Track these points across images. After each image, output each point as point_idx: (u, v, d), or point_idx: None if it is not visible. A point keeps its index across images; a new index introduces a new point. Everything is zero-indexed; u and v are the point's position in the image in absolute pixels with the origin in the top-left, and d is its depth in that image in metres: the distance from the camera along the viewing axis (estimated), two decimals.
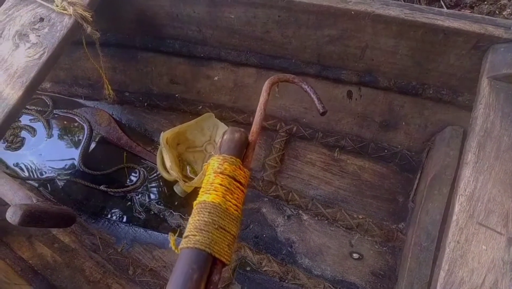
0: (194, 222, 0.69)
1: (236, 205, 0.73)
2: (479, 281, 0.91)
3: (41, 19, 1.35)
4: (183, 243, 0.68)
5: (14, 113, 1.23)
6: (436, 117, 1.53)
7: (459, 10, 1.79)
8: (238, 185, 0.75)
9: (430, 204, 1.38)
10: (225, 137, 0.82)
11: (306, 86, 1.00)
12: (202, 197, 0.73)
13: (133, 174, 1.67)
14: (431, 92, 1.47)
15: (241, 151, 0.81)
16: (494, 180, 1.01)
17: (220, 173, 0.74)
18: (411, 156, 1.60)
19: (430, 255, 1.31)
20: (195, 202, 0.73)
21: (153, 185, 1.65)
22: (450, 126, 1.48)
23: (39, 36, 1.31)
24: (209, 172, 0.76)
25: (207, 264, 0.67)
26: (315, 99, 0.98)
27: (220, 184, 0.73)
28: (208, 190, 0.73)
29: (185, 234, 0.69)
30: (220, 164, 0.75)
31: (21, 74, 1.25)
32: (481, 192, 1.00)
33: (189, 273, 0.63)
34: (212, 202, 0.71)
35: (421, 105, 1.53)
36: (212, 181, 0.74)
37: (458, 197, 1.00)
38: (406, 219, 1.51)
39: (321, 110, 0.98)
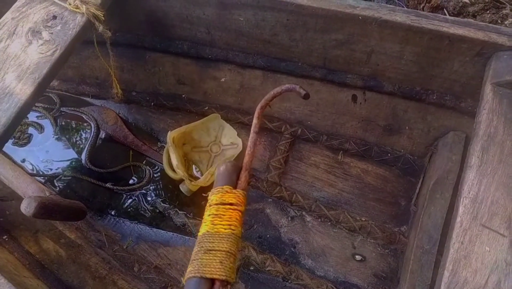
0: (190, 260, 0.77)
1: (228, 224, 0.78)
2: (482, 281, 0.93)
3: (54, 17, 1.37)
4: (184, 280, 0.76)
5: (26, 109, 1.24)
6: (439, 123, 1.55)
7: (462, 19, 1.83)
8: (229, 206, 0.81)
9: (432, 207, 1.41)
10: (216, 173, 0.89)
11: (286, 87, 0.98)
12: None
13: (139, 172, 1.68)
14: (434, 97, 1.49)
15: (231, 178, 0.87)
16: (498, 183, 1.03)
17: (209, 205, 0.82)
18: (414, 160, 1.62)
19: (432, 258, 1.33)
20: None
21: (159, 183, 1.67)
22: (452, 132, 1.50)
23: (51, 33, 1.33)
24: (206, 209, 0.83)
25: (204, 286, 0.72)
26: (296, 88, 0.96)
27: (208, 215, 0.80)
28: (201, 226, 0.80)
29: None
30: (209, 198, 0.83)
31: (34, 70, 1.26)
32: (485, 195, 1.02)
33: None
34: (201, 233, 0.78)
35: (424, 111, 1.56)
36: (203, 216, 0.81)
37: (462, 199, 1.02)
38: (408, 222, 1.53)
39: (302, 94, 0.96)
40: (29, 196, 0.93)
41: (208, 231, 0.77)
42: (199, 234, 0.79)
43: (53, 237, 1.41)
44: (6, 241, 1.30)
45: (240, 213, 0.82)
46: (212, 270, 0.73)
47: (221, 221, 0.78)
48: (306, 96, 0.93)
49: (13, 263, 1.19)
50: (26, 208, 0.90)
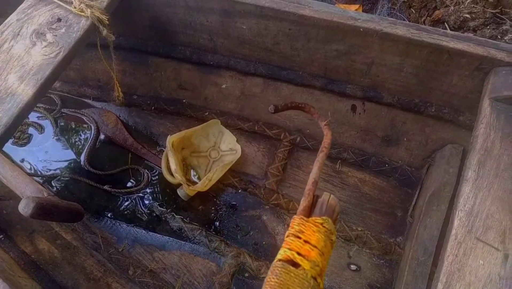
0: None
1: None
2: None
3: (59, 20, 1.38)
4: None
5: (27, 110, 1.25)
6: (437, 135, 1.57)
7: (462, 33, 1.85)
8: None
9: (428, 219, 1.41)
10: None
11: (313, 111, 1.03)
12: None
13: (137, 175, 1.69)
14: (433, 110, 1.51)
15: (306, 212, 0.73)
16: (493, 197, 1.04)
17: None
18: (411, 171, 1.63)
19: (427, 270, 1.33)
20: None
21: (156, 187, 1.67)
22: (450, 144, 1.51)
23: (56, 35, 1.34)
24: None
25: None
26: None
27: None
28: None
29: None
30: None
31: (36, 71, 1.27)
32: (480, 208, 1.02)
33: None
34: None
35: (422, 123, 1.57)
36: None
37: (457, 212, 1.02)
38: (404, 233, 1.53)
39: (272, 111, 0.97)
40: (27, 196, 0.93)
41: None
42: None
43: (49, 238, 1.41)
44: (2, 240, 1.30)
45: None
46: None
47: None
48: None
49: (8, 263, 1.19)
50: (24, 208, 0.90)
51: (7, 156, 1.67)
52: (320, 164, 0.78)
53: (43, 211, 0.92)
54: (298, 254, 0.56)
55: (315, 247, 0.56)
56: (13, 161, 1.68)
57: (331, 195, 0.67)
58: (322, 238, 0.60)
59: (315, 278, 0.55)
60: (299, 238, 0.59)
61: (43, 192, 0.98)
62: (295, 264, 0.55)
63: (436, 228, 1.37)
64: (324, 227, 0.61)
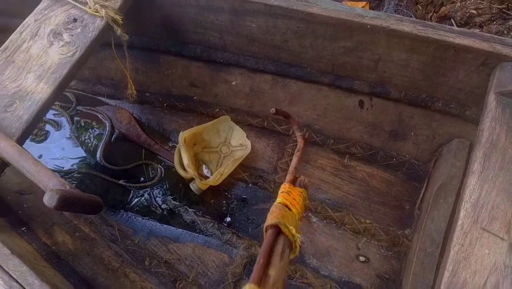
0: None
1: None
2: (481, 282, 0.96)
3: (75, 20, 1.43)
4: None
5: (46, 107, 1.30)
6: (443, 130, 1.59)
7: (469, 29, 1.87)
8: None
9: (435, 211, 1.44)
10: None
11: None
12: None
13: (150, 170, 1.74)
14: (439, 105, 1.53)
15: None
16: (498, 189, 1.07)
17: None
18: (418, 165, 1.66)
19: (434, 261, 1.36)
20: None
21: (170, 181, 1.72)
22: (457, 139, 1.54)
23: (72, 35, 1.39)
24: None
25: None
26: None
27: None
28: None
29: None
30: None
31: (55, 70, 1.32)
32: (486, 200, 1.06)
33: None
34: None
35: (429, 118, 1.60)
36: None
37: (463, 203, 1.06)
38: (412, 226, 1.56)
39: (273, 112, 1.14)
40: (50, 189, 0.98)
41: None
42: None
43: (68, 230, 1.47)
44: (25, 232, 1.36)
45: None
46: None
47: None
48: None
49: (32, 253, 1.25)
50: (49, 200, 0.95)
51: None
52: (299, 158, 1.07)
53: (66, 202, 0.97)
54: (290, 203, 0.82)
55: (298, 203, 0.84)
56: None
57: (305, 178, 0.93)
58: (301, 200, 0.86)
59: (299, 220, 0.83)
60: (290, 195, 0.84)
61: (65, 184, 1.03)
62: (288, 208, 0.80)
63: (443, 220, 1.41)
64: (302, 194, 0.87)
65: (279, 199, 0.84)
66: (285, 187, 0.88)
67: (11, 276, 0.98)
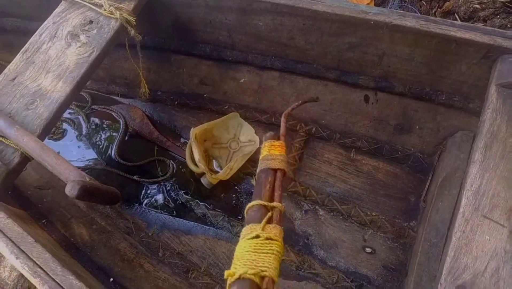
0: None
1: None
2: (481, 267, 0.99)
3: (91, 22, 1.50)
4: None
5: (65, 105, 1.37)
6: (448, 122, 1.62)
7: (472, 23, 1.89)
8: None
9: (440, 203, 1.47)
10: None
11: (299, 102, 1.27)
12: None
13: (163, 166, 1.80)
14: (443, 98, 1.56)
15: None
16: (499, 177, 1.10)
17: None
18: (423, 158, 1.69)
19: (439, 251, 1.39)
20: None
21: (181, 176, 1.78)
22: (461, 131, 1.57)
23: (88, 36, 1.46)
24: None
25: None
26: (309, 101, 1.27)
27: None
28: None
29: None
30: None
31: (73, 70, 1.39)
32: (487, 188, 1.08)
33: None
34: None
35: (434, 111, 1.63)
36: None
37: (465, 192, 1.09)
38: (417, 218, 1.59)
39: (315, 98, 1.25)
40: (72, 180, 1.05)
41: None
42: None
43: (85, 223, 1.54)
44: (45, 224, 1.44)
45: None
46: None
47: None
48: (317, 99, 1.25)
49: (53, 243, 1.32)
50: (71, 190, 1.02)
51: None
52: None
53: (86, 192, 1.03)
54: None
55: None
56: None
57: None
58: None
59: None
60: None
61: (85, 176, 1.10)
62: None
63: (448, 211, 1.43)
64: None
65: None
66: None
67: (35, 262, 1.04)
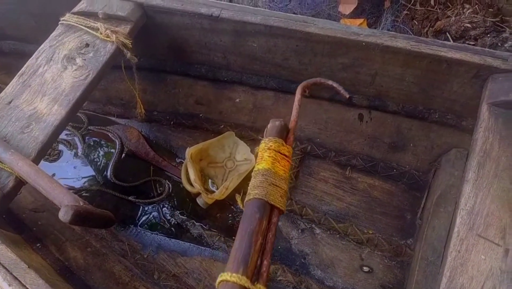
0: (252, 184, 0.95)
1: (283, 170, 0.98)
2: (478, 287, 0.99)
3: (87, 45, 1.52)
4: (246, 199, 0.96)
5: (60, 128, 1.37)
6: (442, 140, 1.64)
7: (463, 42, 1.93)
8: (283, 156, 1.01)
9: (436, 220, 1.48)
10: (268, 126, 1.10)
11: (330, 83, 1.24)
12: (256, 167, 1.00)
13: (159, 186, 1.80)
14: (436, 116, 1.58)
15: (282, 134, 1.08)
16: (493, 196, 1.10)
17: (267, 149, 1.02)
18: (418, 175, 1.70)
19: (436, 269, 1.38)
20: (253, 172, 1.01)
21: (177, 197, 1.78)
22: (455, 149, 1.58)
23: (84, 59, 1.48)
24: (260, 150, 1.02)
25: (266, 208, 0.93)
26: (341, 89, 1.21)
27: (269, 156, 0.98)
28: (260, 162, 0.99)
29: (247, 194, 0.96)
30: (266, 144, 1.04)
31: (68, 93, 1.40)
32: (481, 207, 1.09)
33: (254, 214, 0.90)
34: (264, 168, 0.98)
35: (427, 129, 1.65)
36: (262, 155, 1.00)
37: (459, 211, 1.09)
38: (414, 235, 1.59)
39: (347, 96, 1.20)
40: (65, 205, 1.05)
41: (270, 169, 0.97)
42: (259, 167, 0.98)
43: (80, 246, 1.52)
44: (39, 248, 1.42)
45: (289, 165, 1.02)
46: (275, 199, 0.94)
47: (279, 165, 1.00)
48: (350, 99, 1.29)
49: (47, 268, 1.30)
50: (64, 215, 1.01)
51: None
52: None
53: (80, 217, 1.03)
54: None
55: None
56: None
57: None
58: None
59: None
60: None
61: (78, 201, 1.09)
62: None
63: (444, 229, 1.44)
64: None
65: (263, 163, 0.97)
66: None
67: None
